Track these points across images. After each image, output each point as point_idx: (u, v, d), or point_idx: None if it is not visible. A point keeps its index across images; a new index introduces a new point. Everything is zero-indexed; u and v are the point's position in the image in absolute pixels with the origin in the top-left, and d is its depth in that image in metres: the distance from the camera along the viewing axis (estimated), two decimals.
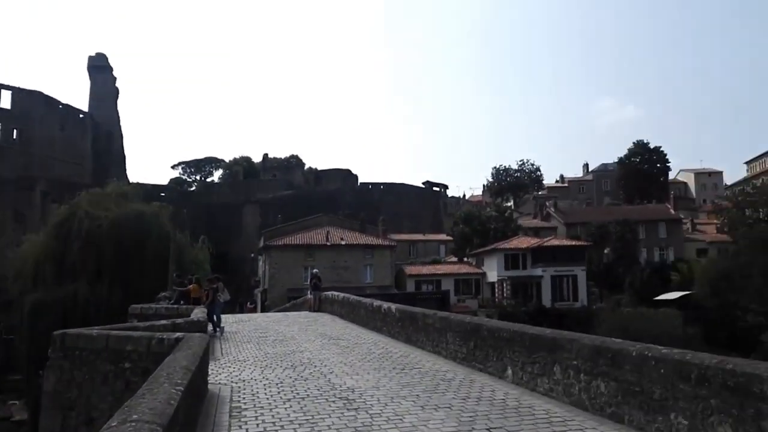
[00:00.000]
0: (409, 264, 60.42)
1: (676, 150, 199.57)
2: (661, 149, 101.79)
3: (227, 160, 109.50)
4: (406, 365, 9.91)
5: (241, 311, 41.51)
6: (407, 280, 55.50)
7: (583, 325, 43.38)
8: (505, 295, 53.97)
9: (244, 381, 8.94)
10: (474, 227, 61.87)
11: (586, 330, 40.96)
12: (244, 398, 7.69)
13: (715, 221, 71.05)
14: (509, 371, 8.06)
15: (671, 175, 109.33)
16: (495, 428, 5.91)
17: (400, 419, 6.37)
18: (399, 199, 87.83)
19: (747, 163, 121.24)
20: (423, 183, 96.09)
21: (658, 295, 47.97)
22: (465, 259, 61.76)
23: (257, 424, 6.37)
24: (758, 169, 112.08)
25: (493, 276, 55.23)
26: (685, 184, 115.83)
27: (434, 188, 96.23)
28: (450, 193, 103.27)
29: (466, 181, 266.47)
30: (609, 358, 5.95)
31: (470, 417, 6.33)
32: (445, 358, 10.33)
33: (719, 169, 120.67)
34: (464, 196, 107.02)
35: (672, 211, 70.92)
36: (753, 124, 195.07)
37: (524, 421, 6.09)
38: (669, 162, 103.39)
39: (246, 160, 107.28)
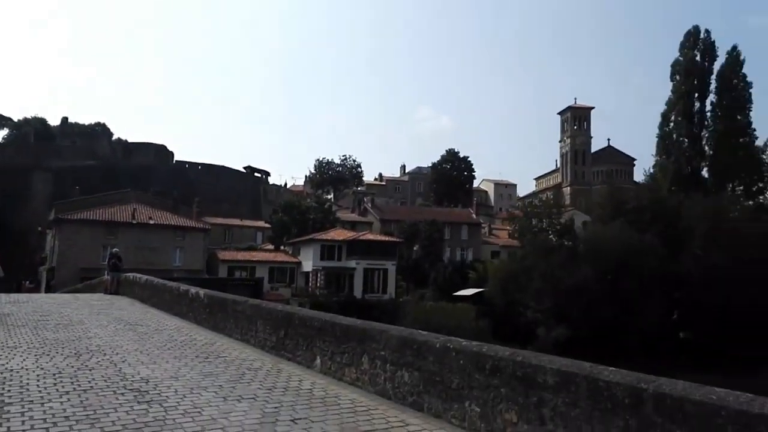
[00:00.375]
0: (224, 249, 58.26)
1: (480, 161, 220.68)
2: (469, 159, 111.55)
3: (15, 119, 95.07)
4: (211, 354, 9.34)
5: (18, 291, 36.28)
6: (220, 265, 53.51)
7: (389, 316, 45.72)
8: (318, 284, 54.68)
9: (11, 371, 7.65)
10: (293, 217, 61.70)
11: (393, 321, 43.18)
12: (9, 391, 6.54)
13: (507, 228, 79.76)
14: (318, 360, 7.99)
15: (475, 183, 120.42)
16: (300, 419, 5.75)
17: (199, 412, 5.91)
18: (218, 182, 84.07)
19: (536, 179, 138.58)
20: (244, 168, 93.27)
21: (457, 291, 52.41)
22: (282, 248, 61.33)
23: (23, 422, 5.43)
24: (544, 185, 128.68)
25: (308, 266, 55.60)
26: (486, 192, 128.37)
27: (256, 174, 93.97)
28: (272, 180, 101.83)
29: (289, 170, 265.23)
30: (414, 350, 6.14)
31: (275, 408, 6.10)
32: (253, 346, 9.96)
33: (514, 182, 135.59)
34: (286, 184, 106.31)
35: (474, 216, 77.98)
36: (544, 145, 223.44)
37: (329, 411, 6.02)
38: (474, 171, 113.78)
39: (40, 122, 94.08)
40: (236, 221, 69.43)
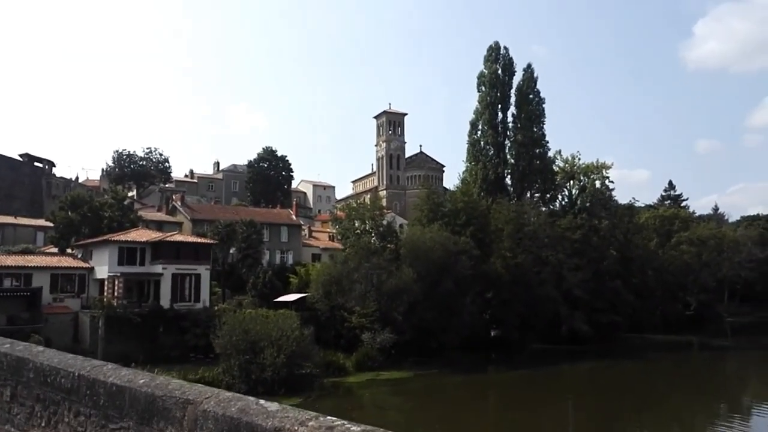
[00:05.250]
0: None
1: (298, 161, 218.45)
2: (287, 158, 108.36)
3: None
4: None
5: None
6: None
7: (202, 326, 40.76)
8: (116, 294, 47.04)
9: None
10: (84, 214, 52.65)
11: (207, 331, 38.34)
12: None
13: (328, 230, 78.11)
14: None
15: (293, 184, 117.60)
16: None
17: None
18: None
19: (353, 181, 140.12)
20: (21, 155, 78.59)
21: (279, 297, 48.87)
22: (69, 251, 52.07)
23: None
24: (361, 188, 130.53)
25: (103, 272, 47.63)
26: (305, 193, 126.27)
27: (36, 163, 79.78)
28: (60, 172, 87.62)
29: (82, 161, 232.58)
30: None
31: None
32: None
33: (332, 184, 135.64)
34: (77, 178, 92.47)
35: (294, 217, 74.97)
36: (361, 147, 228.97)
37: None
38: (293, 171, 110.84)
39: None
40: (8, 219, 57.73)
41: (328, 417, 2.93)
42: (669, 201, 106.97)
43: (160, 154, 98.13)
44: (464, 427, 29.67)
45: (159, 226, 61.28)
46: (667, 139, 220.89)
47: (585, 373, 48.35)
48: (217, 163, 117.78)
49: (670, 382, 44.95)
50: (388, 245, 53.19)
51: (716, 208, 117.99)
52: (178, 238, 51.43)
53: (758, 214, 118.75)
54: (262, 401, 3.23)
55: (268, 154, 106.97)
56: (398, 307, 44.32)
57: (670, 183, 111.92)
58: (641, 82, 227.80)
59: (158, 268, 47.54)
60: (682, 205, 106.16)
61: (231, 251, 56.78)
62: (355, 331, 43.24)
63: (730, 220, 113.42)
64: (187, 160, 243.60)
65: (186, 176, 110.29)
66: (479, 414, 33.68)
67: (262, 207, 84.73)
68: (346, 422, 2.84)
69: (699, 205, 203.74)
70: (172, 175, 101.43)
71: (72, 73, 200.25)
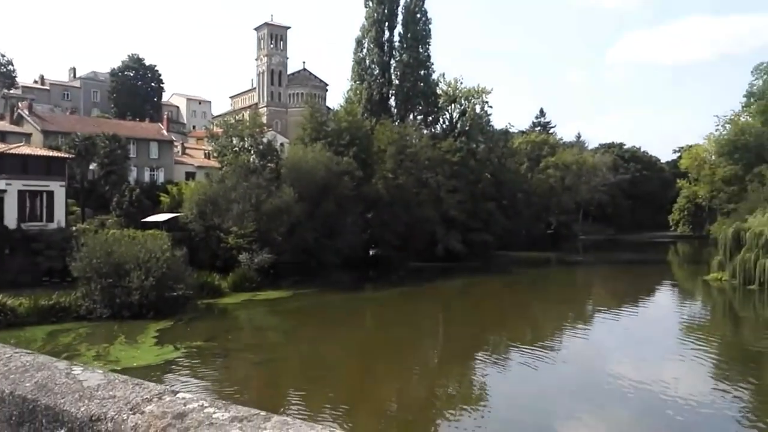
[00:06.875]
0: None
1: (170, 73, 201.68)
2: (156, 68, 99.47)
3: None
4: None
5: None
6: None
7: (57, 248, 37.14)
8: None
9: None
10: None
11: (63, 253, 34.71)
12: None
13: (203, 147, 73.52)
14: None
15: (165, 98, 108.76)
16: None
17: None
18: None
19: (231, 97, 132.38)
20: None
21: (148, 217, 45.43)
22: None
23: None
24: (240, 105, 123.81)
25: None
26: (178, 108, 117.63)
27: None
28: None
29: None
30: None
31: None
32: None
33: (209, 99, 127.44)
34: None
35: (165, 133, 69.41)
36: (242, 63, 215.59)
37: None
38: (163, 83, 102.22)
39: None
40: None
41: (179, 394, 1.93)
42: (539, 127, 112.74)
43: (2, 56, 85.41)
44: (342, 341, 30.20)
45: (2, 136, 53.84)
46: (541, 68, 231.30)
47: (458, 288, 51.03)
48: (74, 69, 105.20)
49: (530, 293, 49.22)
50: (269, 164, 51.04)
51: (579, 136, 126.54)
52: (25, 150, 45.49)
53: (613, 142, 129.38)
54: (77, 369, 2.13)
55: (135, 63, 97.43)
56: (278, 227, 43.06)
57: (541, 110, 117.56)
58: (523, 13, 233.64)
59: (1, 184, 41.97)
60: (550, 132, 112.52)
61: (91, 167, 51.47)
62: (232, 252, 41.56)
63: (589, 147, 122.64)
64: (37, 65, 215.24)
65: (36, 82, 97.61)
66: (356, 329, 34.45)
67: (128, 120, 77.42)
68: (202, 399, 1.88)
69: (565, 131, 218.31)
70: (17, 79, 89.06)
71: None
